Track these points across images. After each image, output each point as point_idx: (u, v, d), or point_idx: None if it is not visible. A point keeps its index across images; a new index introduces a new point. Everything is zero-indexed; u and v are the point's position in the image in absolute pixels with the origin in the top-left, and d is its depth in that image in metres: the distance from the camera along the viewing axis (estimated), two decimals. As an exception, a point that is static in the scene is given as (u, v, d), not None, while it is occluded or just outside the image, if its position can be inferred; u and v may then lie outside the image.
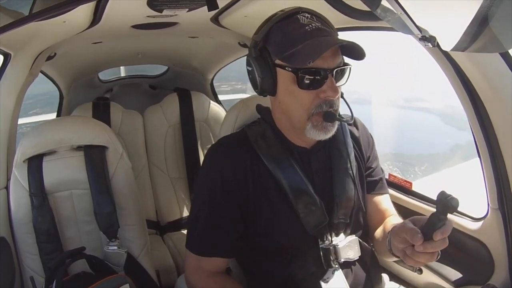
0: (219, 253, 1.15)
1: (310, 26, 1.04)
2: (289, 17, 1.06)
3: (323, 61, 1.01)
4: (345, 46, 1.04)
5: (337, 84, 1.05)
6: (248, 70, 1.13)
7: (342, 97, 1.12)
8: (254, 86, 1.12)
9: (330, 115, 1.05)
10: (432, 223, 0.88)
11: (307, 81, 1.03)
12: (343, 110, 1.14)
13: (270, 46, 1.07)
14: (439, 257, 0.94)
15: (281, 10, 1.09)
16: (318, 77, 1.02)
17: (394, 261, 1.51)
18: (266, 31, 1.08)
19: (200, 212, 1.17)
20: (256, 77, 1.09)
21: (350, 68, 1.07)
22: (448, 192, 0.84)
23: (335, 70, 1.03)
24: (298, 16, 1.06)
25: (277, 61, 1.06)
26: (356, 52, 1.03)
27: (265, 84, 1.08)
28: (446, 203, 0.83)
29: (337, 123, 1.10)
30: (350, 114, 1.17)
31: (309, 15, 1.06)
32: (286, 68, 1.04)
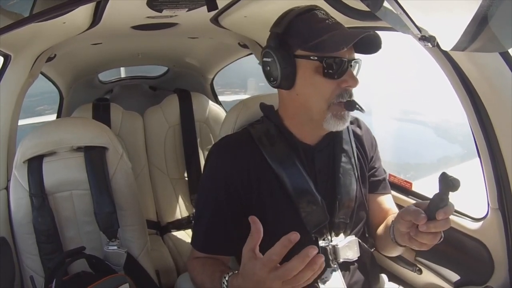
0: (220, 251, 1.16)
1: (329, 20, 1.08)
2: (308, 11, 1.10)
3: (344, 52, 1.05)
4: (359, 42, 1.05)
5: None
6: (265, 62, 1.12)
7: None
8: (272, 78, 1.11)
9: (352, 104, 1.08)
10: (434, 203, 0.90)
11: (331, 70, 1.05)
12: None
13: (292, 37, 1.08)
14: (441, 239, 0.96)
15: (297, 6, 1.12)
16: (338, 66, 1.05)
17: (393, 261, 1.51)
18: (287, 23, 1.09)
19: (203, 210, 1.18)
20: (276, 68, 1.09)
21: (361, 62, 1.11)
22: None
23: (353, 62, 1.07)
24: (316, 11, 1.10)
25: (299, 52, 1.07)
26: (372, 46, 1.06)
27: (285, 75, 1.08)
28: (448, 183, 0.85)
29: (350, 118, 1.12)
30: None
31: (324, 12, 1.11)
32: (311, 58, 1.05)
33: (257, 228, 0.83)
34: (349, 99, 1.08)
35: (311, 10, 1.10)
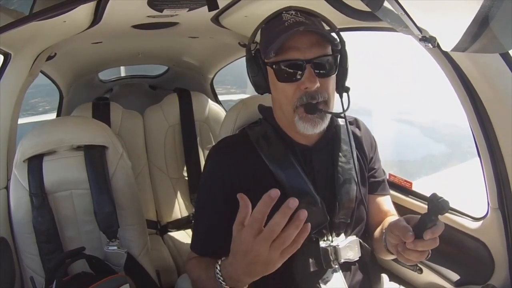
0: (219, 253, 1.15)
1: (289, 21, 1.05)
2: (276, 16, 1.10)
3: (299, 52, 1.02)
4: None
5: (323, 76, 1.05)
6: (247, 70, 1.17)
7: (346, 92, 1.12)
8: (252, 84, 1.17)
9: (311, 107, 1.06)
10: (423, 223, 0.90)
11: (284, 74, 1.05)
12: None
13: (260, 46, 1.11)
14: (429, 256, 0.96)
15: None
16: (294, 68, 1.03)
17: (394, 261, 1.51)
18: (256, 32, 1.13)
19: (202, 212, 1.18)
20: (250, 76, 1.15)
21: (334, 58, 1.07)
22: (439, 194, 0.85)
23: (313, 61, 1.03)
24: (282, 14, 1.08)
25: (266, 59, 1.09)
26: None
27: (257, 82, 1.13)
28: (437, 205, 0.85)
29: (327, 118, 1.10)
30: (352, 114, 1.18)
31: (294, 12, 1.08)
32: (268, 64, 1.08)
33: (245, 203, 0.79)
34: (310, 101, 1.05)
35: (280, 13, 1.09)
